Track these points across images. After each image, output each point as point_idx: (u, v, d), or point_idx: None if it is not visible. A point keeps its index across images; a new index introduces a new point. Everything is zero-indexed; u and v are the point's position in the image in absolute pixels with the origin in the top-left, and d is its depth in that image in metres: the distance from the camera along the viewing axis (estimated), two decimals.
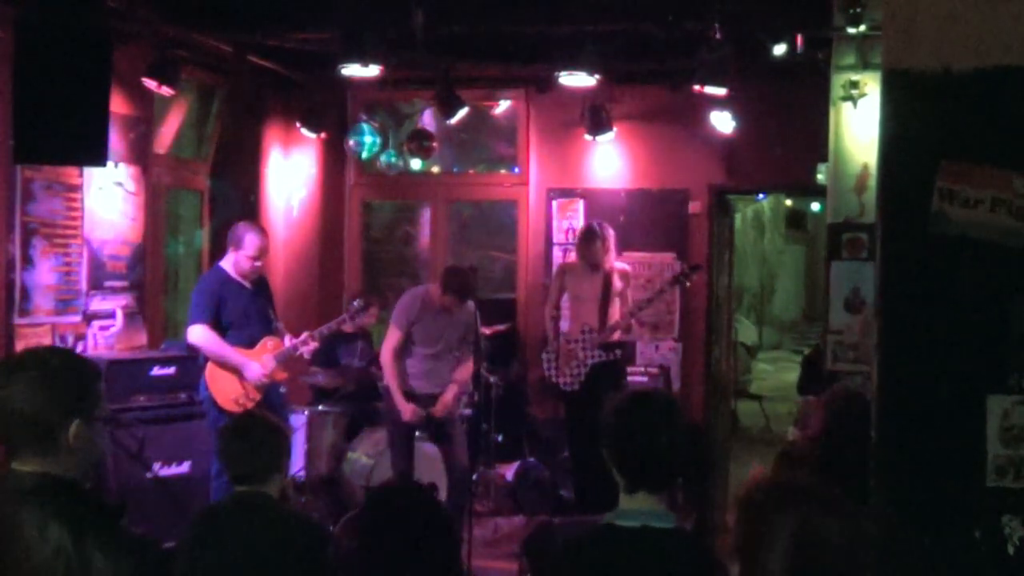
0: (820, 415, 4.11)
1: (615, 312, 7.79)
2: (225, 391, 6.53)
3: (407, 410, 6.86)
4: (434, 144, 8.94)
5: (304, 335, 6.83)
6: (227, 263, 6.69)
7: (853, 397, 4.03)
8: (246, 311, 6.64)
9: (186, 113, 8.19)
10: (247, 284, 6.68)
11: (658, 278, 8.62)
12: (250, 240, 6.61)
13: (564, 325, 8.06)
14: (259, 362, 6.58)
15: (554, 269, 8.81)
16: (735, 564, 2.02)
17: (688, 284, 8.28)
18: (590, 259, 7.81)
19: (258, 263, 6.67)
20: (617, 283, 7.81)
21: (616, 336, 7.80)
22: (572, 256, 8.64)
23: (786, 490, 1.99)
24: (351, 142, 8.93)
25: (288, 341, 6.79)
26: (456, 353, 7.04)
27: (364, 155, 8.94)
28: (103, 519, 2.41)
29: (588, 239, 7.87)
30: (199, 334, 6.52)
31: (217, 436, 3.90)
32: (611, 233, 7.87)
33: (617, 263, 7.94)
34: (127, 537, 2.42)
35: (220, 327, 6.55)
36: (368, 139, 8.87)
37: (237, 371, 6.53)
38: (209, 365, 6.55)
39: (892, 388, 2.87)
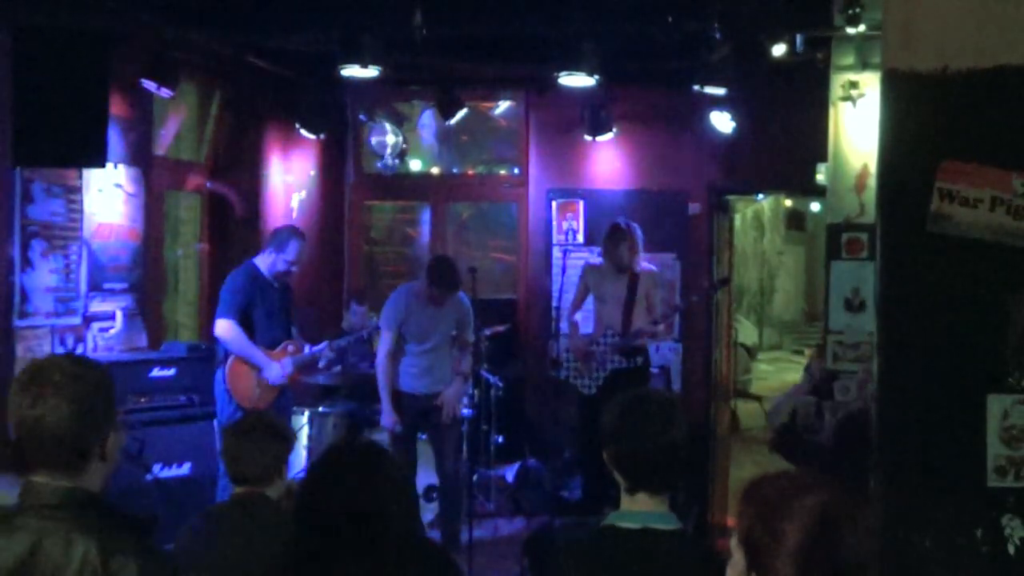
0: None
1: (640, 316, 7.46)
2: (243, 388, 6.54)
3: (389, 418, 6.87)
4: (407, 146, 9.02)
5: (323, 344, 6.87)
6: (262, 262, 6.68)
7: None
8: (271, 312, 6.65)
9: (185, 114, 8.18)
10: (276, 285, 6.70)
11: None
12: (294, 246, 6.62)
13: (587, 327, 7.71)
14: (279, 364, 6.61)
15: (554, 269, 8.80)
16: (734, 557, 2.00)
17: (717, 297, 8.20)
18: (616, 260, 7.42)
19: (295, 268, 6.70)
20: (643, 286, 7.46)
21: (640, 341, 7.48)
22: (574, 254, 8.63)
23: (799, 482, 1.97)
24: (373, 141, 8.98)
25: (308, 349, 6.82)
26: (454, 347, 7.03)
27: (388, 153, 9.01)
28: (131, 534, 2.36)
29: (615, 238, 7.43)
30: (225, 328, 6.51)
31: (220, 436, 3.90)
32: (639, 232, 7.46)
33: (644, 264, 7.53)
34: (154, 553, 2.37)
35: (245, 324, 6.55)
36: (391, 138, 8.94)
37: (256, 370, 6.56)
38: (232, 360, 6.55)
39: (892, 388, 2.87)
